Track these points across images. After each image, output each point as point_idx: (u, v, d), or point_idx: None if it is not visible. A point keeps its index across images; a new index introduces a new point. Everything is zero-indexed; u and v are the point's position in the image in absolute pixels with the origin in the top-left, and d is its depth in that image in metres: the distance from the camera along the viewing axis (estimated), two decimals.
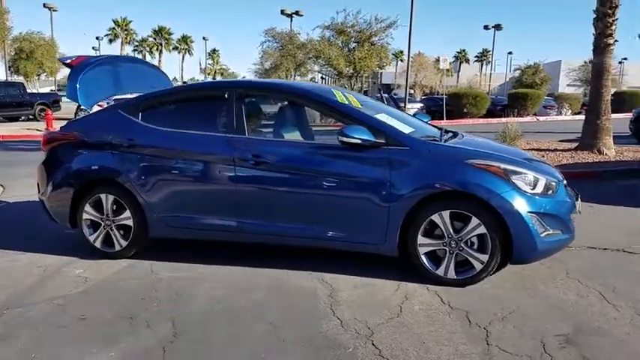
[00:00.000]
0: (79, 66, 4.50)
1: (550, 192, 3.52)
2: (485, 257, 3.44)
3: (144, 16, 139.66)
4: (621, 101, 26.87)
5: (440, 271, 3.54)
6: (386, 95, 20.54)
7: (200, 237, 4.19)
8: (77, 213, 4.32)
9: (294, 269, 3.92)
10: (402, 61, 37.24)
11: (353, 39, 24.42)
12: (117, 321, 3.14)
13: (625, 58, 45.73)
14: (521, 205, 3.35)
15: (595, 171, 7.79)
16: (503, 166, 3.47)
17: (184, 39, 78.16)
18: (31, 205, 6.44)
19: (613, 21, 8.86)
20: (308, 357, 2.66)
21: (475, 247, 3.48)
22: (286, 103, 4.51)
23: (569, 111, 28.20)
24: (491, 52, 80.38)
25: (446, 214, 3.46)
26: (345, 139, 3.53)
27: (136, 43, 72.19)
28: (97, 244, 4.29)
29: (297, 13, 38.08)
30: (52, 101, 23.71)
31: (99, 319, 3.16)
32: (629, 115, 13.48)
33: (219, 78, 74.40)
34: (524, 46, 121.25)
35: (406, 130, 3.82)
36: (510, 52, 71.84)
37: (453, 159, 3.55)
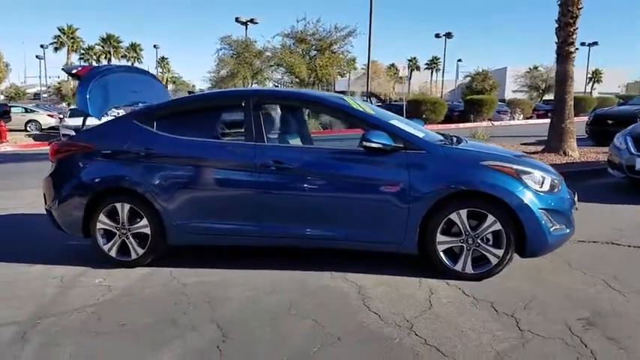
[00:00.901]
0: (87, 76, 4.48)
1: (555, 190, 3.83)
2: (500, 252, 3.71)
3: (91, 24, 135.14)
4: None
5: (458, 267, 3.79)
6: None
7: (220, 243, 4.27)
8: (90, 223, 4.30)
9: (314, 270, 4.07)
10: (354, 69, 38.00)
11: (313, 47, 24.79)
12: (159, 325, 3.19)
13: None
14: (532, 202, 3.64)
15: (565, 172, 8.31)
16: (514, 166, 3.76)
17: (133, 47, 76.51)
18: (26, 218, 6.33)
19: (574, 30, 9.51)
20: (360, 349, 2.82)
21: (490, 242, 3.74)
22: (285, 110, 4.66)
23: (522, 116, 29.57)
24: (441, 60, 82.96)
25: (463, 212, 3.71)
26: (368, 144, 3.72)
27: (82, 52, 70.15)
28: (112, 254, 4.29)
29: (252, 21, 38.08)
30: (1, 112, 22.68)
31: (139, 325, 3.21)
32: (583, 119, 14.36)
33: (170, 87, 72.92)
34: (472, 53, 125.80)
35: (419, 134, 4.05)
36: (460, 60, 74.27)
37: (469, 161, 3.81)
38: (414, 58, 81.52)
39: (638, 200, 6.52)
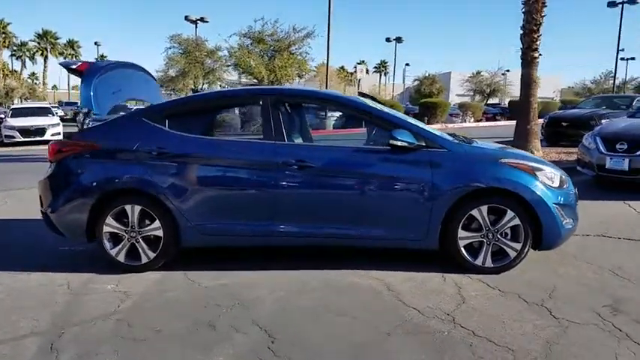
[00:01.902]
0: (89, 73, 4.29)
1: (564, 185, 4.04)
2: (518, 246, 3.87)
3: (25, 20, 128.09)
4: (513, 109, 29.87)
5: (478, 261, 3.91)
6: None
7: (238, 244, 4.20)
8: (96, 226, 4.11)
9: (334, 269, 4.07)
10: (311, 70, 38.33)
11: (272, 47, 24.67)
12: (198, 329, 3.10)
13: (508, 70, 50.59)
14: (548, 197, 3.82)
15: None
16: (530, 164, 3.93)
17: (71, 44, 73.47)
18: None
19: (538, 37, 10.03)
20: (413, 342, 2.87)
21: (509, 237, 3.89)
22: (302, 109, 4.65)
23: (472, 118, 30.71)
24: (389, 63, 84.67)
25: (484, 208, 3.84)
26: (395, 142, 3.78)
27: (15, 48, 66.61)
28: (120, 258, 4.12)
29: (202, 19, 37.41)
30: None
31: (177, 330, 3.10)
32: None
33: None
34: (418, 58, 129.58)
35: (437, 134, 4.16)
36: (407, 64, 76.24)
37: (489, 159, 3.96)
38: (363, 62, 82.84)
39: (608, 196, 6.95)
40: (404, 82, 68.12)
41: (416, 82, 52.67)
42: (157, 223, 4.06)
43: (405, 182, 3.88)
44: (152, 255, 4.10)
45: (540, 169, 3.94)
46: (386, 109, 4.27)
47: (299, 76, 26.33)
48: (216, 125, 4.27)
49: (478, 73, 59.38)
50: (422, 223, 3.89)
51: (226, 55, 26.42)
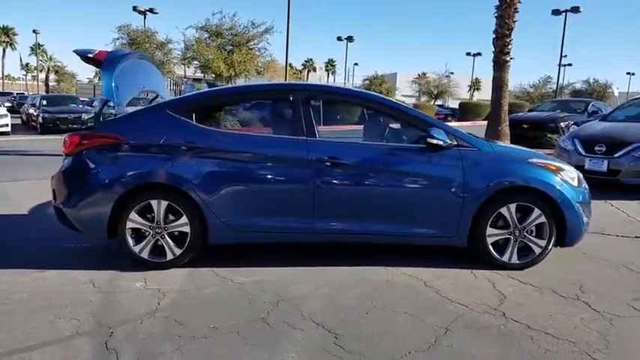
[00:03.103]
0: (109, 62, 4.07)
1: (582, 184, 4.25)
2: (543, 243, 4.04)
3: None
4: (467, 111, 31.02)
5: (505, 258, 4.05)
6: None
7: (267, 240, 4.14)
8: (118, 222, 3.92)
9: (364, 265, 4.10)
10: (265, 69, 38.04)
11: (230, 42, 24.20)
12: (254, 325, 3.05)
13: (452, 72, 52.42)
14: (572, 196, 4.02)
15: None
16: (556, 164, 4.12)
17: (5, 31, 69.17)
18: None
19: (510, 41, 10.45)
20: (475, 337, 2.95)
21: (534, 234, 4.06)
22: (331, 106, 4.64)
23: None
24: (337, 62, 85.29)
25: (512, 206, 3.99)
26: (433, 141, 3.86)
27: None
28: (144, 255, 3.96)
29: (151, 10, 36.23)
30: None
31: (232, 326, 3.03)
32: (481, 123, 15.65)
33: (52, 76, 66.61)
34: (367, 57, 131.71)
35: (465, 133, 4.26)
36: (356, 64, 77.16)
37: (517, 158, 4.11)
38: (310, 60, 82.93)
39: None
40: (352, 81, 68.61)
41: (366, 82, 53.38)
42: (183, 219, 3.93)
43: (437, 180, 3.96)
44: (178, 251, 3.97)
45: (563, 169, 4.14)
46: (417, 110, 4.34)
47: (257, 72, 25.96)
48: (244, 120, 4.18)
49: (423, 74, 61.04)
50: (453, 220, 3.98)
51: (179, 48, 25.63)
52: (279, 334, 2.95)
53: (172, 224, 3.94)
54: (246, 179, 3.95)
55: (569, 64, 51.93)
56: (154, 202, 3.90)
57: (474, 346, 2.84)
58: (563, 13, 31.16)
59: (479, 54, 52.62)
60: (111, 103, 4.24)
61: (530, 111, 16.50)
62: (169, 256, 3.97)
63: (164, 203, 3.91)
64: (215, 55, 22.87)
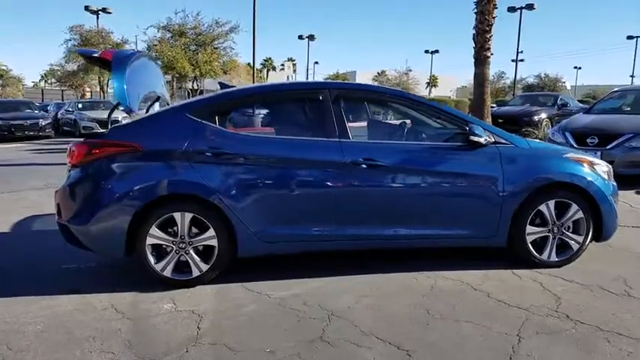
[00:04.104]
0: (118, 62, 3.71)
1: (611, 178, 4.21)
2: (580, 238, 3.97)
3: None
4: None
5: (544, 256, 3.95)
6: None
7: (300, 250, 3.89)
8: (137, 238, 3.58)
9: (401, 271, 3.91)
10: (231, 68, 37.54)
11: (194, 41, 23.64)
12: (314, 346, 2.80)
13: (410, 69, 53.22)
14: (607, 190, 3.97)
15: None
16: (588, 158, 4.05)
17: None
18: None
19: (490, 37, 10.52)
20: (550, 342, 2.81)
21: (571, 230, 3.98)
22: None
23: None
24: (296, 61, 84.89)
25: (551, 203, 3.89)
26: (476, 138, 3.71)
27: None
28: (167, 273, 3.63)
29: (104, 10, 34.94)
30: None
31: (290, 349, 2.77)
32: None
33: None
34: (327, 56, 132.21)
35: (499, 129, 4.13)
36: (317, 62, 76.89)
37: (554, 154, 4.02)
38: (270, 58, 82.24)
39: None
40: (314, 79, 68.51)
41: (329, 81, 53.31)
42: (210, 232, 3.62)
43: (477, 179, 3.82)
44: (204, 267, 3.66)
45: (596, 163, 4.08)
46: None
47: (224, 72, 25.52)
48: (270, 122, 3.91)
49: (383, 72, 61.68)
50: (493, 220, 3.85)
51: (141, 49, 24.88)
52: (346, 354, 2.72)
53: (198, 238, 3.63)
54: (278, 186, 3.68)
55: (522, 60, 53.69)
56: (177, 215, 3.58)
57: (556, 353, 2.70)
58: (519, 10, 31.97)
59: (436, 51, 53.48)
60: (121, 107, 3.87)
61: (499, 106, 16.80)
62: (195, 273, 3.65)
63: (188, 216, 3.59)
64: (179, 55, 22.29)
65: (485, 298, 3.43)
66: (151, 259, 3.60)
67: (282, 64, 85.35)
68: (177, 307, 3.35)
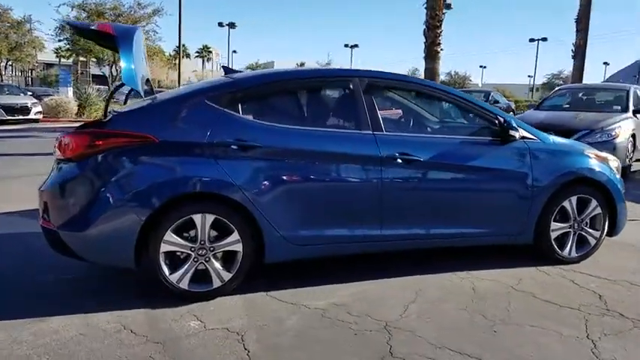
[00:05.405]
0: (124, 37, 3.13)
1: (619, 173, 4.30)
2: (597, 234, 4.01)
3: None
4: None
5: (566, 252, 3.94)
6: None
7: (331, 253, 3.56)
8: (149, 245, 3.05)
9: (433, 273, 3.71)
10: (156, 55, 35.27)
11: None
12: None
13: (328, 63, 53.75)
14: (620, 185, 4.04)
15: None
16: (602, 154, 4.10)
17: None
18: None
19: (440, 32, 10.67)
20: (629, 341, 2.76)
21: (588, 225, 4.00)
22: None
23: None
24: (212, 49, 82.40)
25: (574, 199, 3.88)
26: (514, 132, 3.60)
27: None
28: (183, 285, 3.14)
29: None
30: None
31: None
32: None
33: None
34: (247, 45, 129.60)
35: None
36: (235, 51, 75.04)
37: (576, 150, 4.01)
38: (183, 46, 78.83)
39: None
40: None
41: (248, 71, 52.34)
42: (234, 236, 3.17)
43: (509, 174, 3.71)
44: (227, 276, 3.21)
45: (609, 159, 4.14)
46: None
47: (149, 56, 23.93)
48: (296, 112, 3.51)
49: (302, 64, 61.64)
50: (522, 216, 3.76)
51: (52, 29, 22.74)
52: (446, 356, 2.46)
53: (220, 243, 3.17)
54: (310, 183, 3.31)
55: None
56: (196, 217, 3.09)
57: (636, 354, 2.62)
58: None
59: (356, 45, 54.38)
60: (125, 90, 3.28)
61: None
62: (216, 283, 3.19)
63: (210, 218, 3.11)
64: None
65: (531, 299, 3.32)
66: (166, 270, 3.09)
67: (197, 52, 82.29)
68: (206, 325, 2.88)
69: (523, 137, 3.75)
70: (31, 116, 18.08)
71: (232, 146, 3.14)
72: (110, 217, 2.98)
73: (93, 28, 3.24)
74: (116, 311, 3.01)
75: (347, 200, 3.40)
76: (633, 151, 8.15)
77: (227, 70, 4.21)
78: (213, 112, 3.18)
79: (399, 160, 3.42)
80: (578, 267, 3.90)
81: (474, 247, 3.97)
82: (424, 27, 10.86)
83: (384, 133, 3.47)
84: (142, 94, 3.32)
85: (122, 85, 3.27)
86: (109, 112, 3.32)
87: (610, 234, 4.11)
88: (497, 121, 3.66)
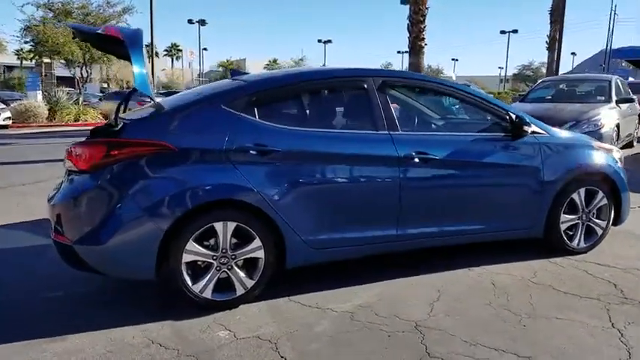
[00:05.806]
0: (133, 41, 3.02)
1: (622, 164, 4.39)
2: (604, 224, 4.10)
3: None
4: None
5: (574, 243, 4.02)
6: None
7: (351, 255, 3.52)
8: (170, 256, 2.98)
9: (449, 269, 3.73)
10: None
11: (83, 23, 21.28)
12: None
13: (301, 59, 53.72)
14: (624, 176, 4.14)
15: None
16: (607, 146, 4.19)
17: None
18: None
19: (424, 27, 10.73)
20: None
21: (595, 216, 4.09)
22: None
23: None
24: (181, 47, 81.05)
25: (582, 191, 3.96)
26: (530, 128, 3.67)
27: None
28: (207, 294, 3.08)
29: None
30: None
31: None
32: None
33: None
34: (217, 43, 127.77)
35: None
36: (205, 49, 74.05)
37: (585, 143, 4.09)
38: (150, 44, 77.40)
39: None
40: (201, 66, 65.85)
41: (220, 68, 51.87)
42: (256, 243, 3.13)
43: (523, 169, 3.76)
44: (250, 283, 3.16)
45: (615, 151, 4.25)
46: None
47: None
48: (313, 114, 3.47)
49: (274, 61, 61.38)
50: (534, 211, 3.82)
51: (16, 30, 22.02)
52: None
53: (242, 250, 3.11)
54: (330, 186, 3.29)
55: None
56: (218, 225, 3.03)
57: None
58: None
59: (329, 41, 54.26)
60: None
61: None
62: (239, 291, 3.14)
63: (231, 225, 3.06)
64: (66, 38, 19.86)
65: (551, 291, 3.38)
66: (188, 280, 3.02)
67: (166, 50, 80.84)
68: (236, 335, 2.83)
69: (533, 132, 3.80)
70: (0, 122, 17.49)
71: (251, 151, 3.08)
72: (130, 228, 2.89)
73: (99, 32, 3.13)
74: (139, 325, 2.93)
75: (366, 201, 3.39)
76: (617, 140, 8.37)
77: (234, 73, 4.13)
78: (230, 117, 3.12)
79: (417, 160, 3.42)
80: (588, 257, 3.99)
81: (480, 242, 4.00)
82: (407, 22, 10.91)
83: (400, 132, 3.46)
84: (154, 99, 3.23)
85: (135, 90, 3.17)
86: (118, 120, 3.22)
87: (615, 223, 4.20)
88: (508, 117, 3.70)
